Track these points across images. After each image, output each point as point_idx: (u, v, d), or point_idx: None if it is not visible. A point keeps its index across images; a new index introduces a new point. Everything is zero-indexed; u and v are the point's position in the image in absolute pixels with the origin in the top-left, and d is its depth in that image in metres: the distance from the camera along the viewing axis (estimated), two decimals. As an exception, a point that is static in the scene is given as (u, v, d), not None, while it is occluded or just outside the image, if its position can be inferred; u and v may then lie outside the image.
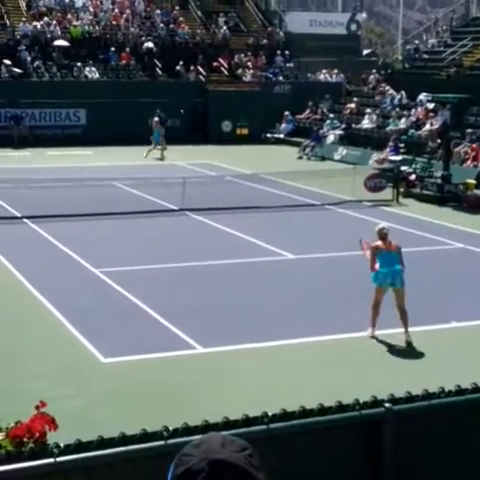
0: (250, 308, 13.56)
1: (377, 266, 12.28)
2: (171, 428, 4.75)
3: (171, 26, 41.57)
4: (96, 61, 38.72)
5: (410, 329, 12.06)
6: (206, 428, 4.70)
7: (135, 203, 22.01)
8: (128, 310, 13.28)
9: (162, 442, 4.66)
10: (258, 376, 10.70)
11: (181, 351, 11.52)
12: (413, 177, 25.34)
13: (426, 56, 40.76)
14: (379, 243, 12.47)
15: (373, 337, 12.00)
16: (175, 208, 21.50)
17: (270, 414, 4.92)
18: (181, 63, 39.29)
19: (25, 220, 19.98)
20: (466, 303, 13.97)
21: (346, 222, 21.26)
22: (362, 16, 48.66)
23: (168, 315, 12.82)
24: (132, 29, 41.00)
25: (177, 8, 42.91)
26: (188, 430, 4.71)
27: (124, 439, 4.68)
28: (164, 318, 12.72)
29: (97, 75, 38.24)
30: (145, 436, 4.71)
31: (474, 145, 28.03)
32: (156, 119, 32.59)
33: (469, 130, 29.05)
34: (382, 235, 12.57)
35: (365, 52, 50.30)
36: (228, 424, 4.78)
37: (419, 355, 11.54)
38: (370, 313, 12.15)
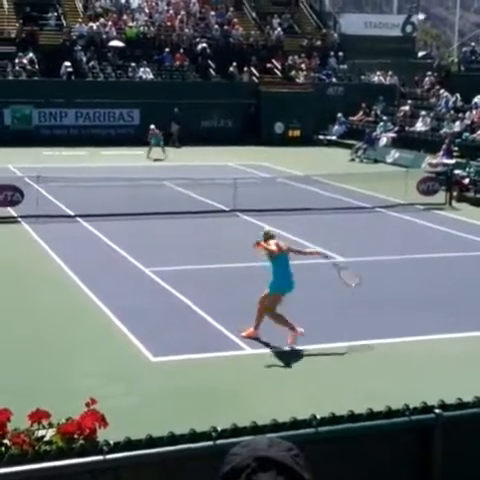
0: (299, 310, 13.50)
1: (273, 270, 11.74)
2: (219, 429, 4.76)
3: (225, 27, 41.67)
4: (150, 62, 39.00)
5: (465, 334, 11.92)
6: (254, 430, 4.70)
7: (186, 203, 22.12)
8: (178, 310, 13.35)
9: (210, 442, 4.68)
10: (306, 378, 10.68)
11: (230, 352, 11.54)
12: (467, 181, 25.04)
13: (482, 58, 40.28)
14: (282, 244, 11.95)
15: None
16: (226, 209, 21.55)
17: (319, 417, 4.90)
18: (234, 64, 39.36)
19: (78, 219, 20.21)
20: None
21: (398, 225, 21.10)
22: (418, 18, 48.19)
23: (217, 315, 12.85)
24: (186, 30, 41.20)
25: (231, 9, 43.01)
26: (236, 431, 4.71)
27: (173, 438, 4.71)
28: (213, 318, 12.76)
29: (151, 76, 38.53)
30: (194, 436, 4.73)
31: None
32: (152, 127, 32.17)
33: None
34: (270, 236, 12.10)
35: (420, 54, 49.81)
36: (276, 426, 4.78)
37: (471, 361, 11.38)
38: (281, 323, 11.65)
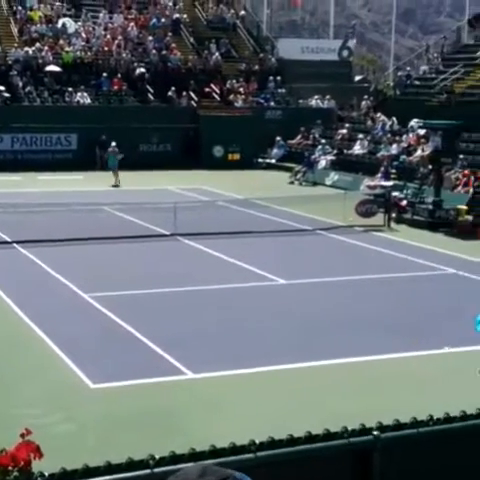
0: (241, 333, 13.51)
1: None
2: (158, 456, 4.69)
3: (163, 52, 41.74)
4: (88, 86, 38.82)
5: (406, 353, 12.02)
6: (193, 456, 4.63)
7: (126, 228, 21.96)
8: (118, 335, 13.21)
9: (148, 471, 4.60)
10: (248, 403, 10.63)
11: (171, 377, 11.45)
12: (404, 203, 25.39)
13: (417, 83, 41.01)
14: None
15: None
16: (166, 233, 21.48)
17: (257, 442, 4.86)
18: (173, 89, 39.43)
19: (15, 245, 19.91)
20: (458, 329, 13.92)
21: (338, 247, 21.28)
22: (354, 42, 48.89)
23: (158, 340, 12.75)
24: (124, 55, 41.14)
25: (169, 34, 43.12)
26: (175, 458, 4.64)
27: (109, 468, 4.61)
28: (154, 343, 12.65)
29: (89, 100, 38.34)
30: (131, 464, 4.65)
31: (465, 171, 28.15)
32: (113, 144, 32.21)
33: (460, 156, 29.21)
34: None
35: (357, 78, 50.54)
36: (215, 452, 4.72)
37: (410, 380, 11.47)
38: None
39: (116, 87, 39.45)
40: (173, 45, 42.22)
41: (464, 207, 24.07)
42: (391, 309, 15.26)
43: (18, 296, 15.33)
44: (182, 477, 2.10)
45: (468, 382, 11.33)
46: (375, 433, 5.04)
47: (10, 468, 5.16)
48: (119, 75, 39.67)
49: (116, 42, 41.32)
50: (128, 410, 10.24)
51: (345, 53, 47.21)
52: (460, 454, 5.38)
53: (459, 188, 27.59)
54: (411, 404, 9.46)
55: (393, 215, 24.46)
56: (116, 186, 31.17)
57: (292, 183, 33.73)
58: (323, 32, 54.18)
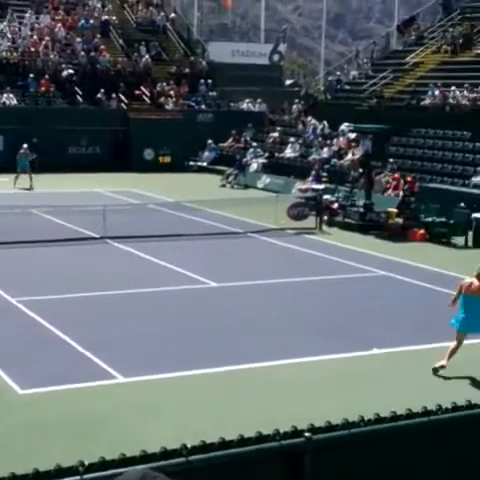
0: (171, 337, 13.42)
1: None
2: (87, 462, 4.58)
3: (92, 54, 41.31)
4: (14, 87, 38.16)
5: (337, 355, 12.09)
6: (123, 462, 4.54)
7: (55, 231, 21.62)
8: (47, 340, 12.98)
9: (78, 477, 4.49)
10: (180, 406, 10.55)
11: (101, 381, 11.29)
12: (336, 206, 25.62)
13: (348, 87, 41.53)
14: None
15: None
16: (96, 236, 21.23)
17: (189, 446, 4.79)
18: (102, 91, 39.06)
19: None
20: (387, 330, 14.10)
21: (269, 250, 21.33)
22: (284, 46, 49.22)
23: (88, 345, 12.57)
24: (52, 56, 40.58)
25: (98, 36, 42.70)
26: (105, 464, 4.54)
27: (38, 475, 4.49)
28: (84, 348, 12.47)
29: (15, 101, 37.69)
30: (60, 471, 4.53)
31: (395, 174, 28.56)
32: (25, 146, 31.64)
33: (390, 160, 29.63)
34: None
35: (288, 82, 50.95)
36: (146, 457, 4.64)
37: (340, 382, 11.54)
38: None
39: (43, 88, 38.86)
40: (102, 47, 41.82)
41: (394, 210, 24.42)
42: (322, 311, 15.35)
43: None
44: None
45: (397, 383, 11.46)
46: (307, 435, 5.02)
47: None
48: (47, 76, 39.09)
49: (43, 43, 40.69)
50: (57, 415, 10.06)
51: (276, 57, 47.52)
52: (391, 454, 5.41)
53: (389, 191, 27.97)
54: (342, 406, 9.51)
55: (324, 218, 24.66)
56: (29, 189, 30.37)
57: (224, 186, 33.75)
58: (254, 36, 54.47)
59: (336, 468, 5.19)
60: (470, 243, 22.31)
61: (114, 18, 44.42)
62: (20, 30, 41.66)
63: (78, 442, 9.04)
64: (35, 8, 43.44)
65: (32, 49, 40.52)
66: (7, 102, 37.39)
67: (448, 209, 23.11)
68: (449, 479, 5.54)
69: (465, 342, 11.95)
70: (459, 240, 22.54)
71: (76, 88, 39.25)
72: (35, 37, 41.02)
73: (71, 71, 39.55)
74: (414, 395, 9.73)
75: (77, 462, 4.65)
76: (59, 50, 41.18)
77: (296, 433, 5.04)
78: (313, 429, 5.10)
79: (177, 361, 12.15)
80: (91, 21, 43.30)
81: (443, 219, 22.97)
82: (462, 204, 23.35)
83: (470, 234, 22.39)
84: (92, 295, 15.94)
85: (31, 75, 38.81)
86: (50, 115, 36.74)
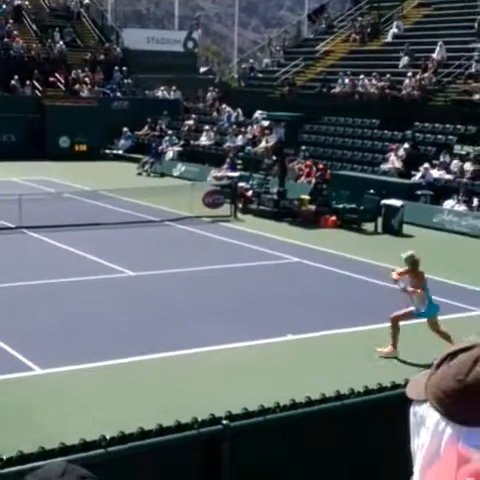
0: (88, 327, 13.41)
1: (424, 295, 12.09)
2: (5, 456, 4.61)
3: (5, 40, 40.52)
4: None
5: (251, 342, 12.29)
6: (42, 455, 4.60)
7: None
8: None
9: (-4, 472, 4.52)
10: (99, 396, 10.59)
11: (18, 373, 11.23)
12: (250, 193, 25.85)
13: (261, 75, 41.81)
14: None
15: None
16: (11, 226, 20.95)
17: (108, 437, 4.88)
18: (16, 77, 38.38)
19: None
20: (301, 316, 14.37)
21: (185, 238, 21.43)
22: (198, 33, 49.16)
23: (4, 336, 12.47)
24: (-37, 41, 39.70)
25: (11, 21, 41.91)
26: (23, 458, 4.59)
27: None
28: (0, 340, 12.35)
29: None
30: (-25, 466, 4.55)
31: (307, 162, 28.97)
32: None
33: (303, 147, 30.02)
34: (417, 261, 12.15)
35: (202, 70, 50.90)
36: (65, 450, 4.70)
37: (256, 369, 11.75)
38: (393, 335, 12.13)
39: (-45, 74, 38.02)
40: (15, 33, 41.08)
41: (307, 197, 24.76)
42: (237, 298, 15.54)
43: None
44: (42, 476, 2.10)
45: (312, 368, 11.74)
46: (224, 422, 5.17)
47: None
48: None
49: (-46, 28, 39.78)
50: (-26, 409, 9.98)
51: (190, 44, 47.44)
52: (306, 438, 5.60)
53: (302, 178, 28.37)
54: (258, 392, 9.71)
55: (239, 205, 24.86)
56: None
57: (140, 174, 33.65)
58: (168, 23, 54.14)
59: (253, 453, 5.36)
60: (379, 229, 22.86)
61: (27, 3, 43.66)
62: None
63: (-4, 435, 9.00)
64: None
65: None
66: None
67: (358, 196, 23.62)
68: (364, 459, 5.76)
69: (383, 325, 12.43)
70: (369, 226, 23.08)
71: (-12, 75, 38.49)
72: None
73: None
74: (328, 380, 10.01)
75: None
76: (-30, 36, 40.30)
77: (214, 421, 5.18)
78: (231, 416, 5.25)
79: (94, 351, 12.16)
80: (4, 6, 42.47)
81: (353, 206, 23.47)
82: (372, 191, 23.90)
83: (379, 220, 22.93)
84: (7, 286, 15.76)
85: None
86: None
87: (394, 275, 12.27)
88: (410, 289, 12.01)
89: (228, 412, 5.28)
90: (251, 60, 44.78)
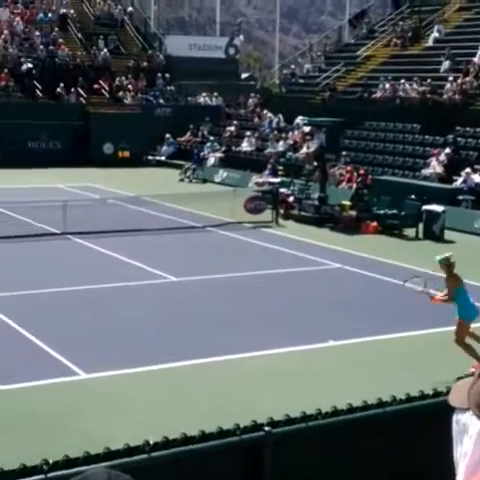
0: (132, 332, 13.54)
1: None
2: (51, 460, 4.70)
3: (51, 47, 41.08)
4: (-28, 82, 37.87)
5: (293, 348, 12.31)
6: (87, 459, 4.68)
7: (15, 227, 21.55)
8: (9, 337, 13.03)
9: (42, 476, 4.60)
10: (142, 401, 10.70)
11: (63, 378, 11.39)
12: (291, 199, 25.86)
13: (302, 81, 41.78)
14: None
15: None
16: (57, 232, 21.23)
17: (151, 442, 4.95)
18: (61, 85, 38.89)
19: None
20: (343, 322, 14.35)
21: (227, 244, 21.52)
22: (240, 39, 49.31)
23: (50, 341, 12.66)
24: (11, 50, 40.27)
25: (56, 29, 42.47)
26: (69, 462, 4.67)
27: (1, 474, 4.60)
28: (46, 344, 12.55)
29: (-27, 96, 37.40)
30: (24, 470, 4.64)
31: (348, 167, 28.89)
32: None
33: (343, 152, 29.95)
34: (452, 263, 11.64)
35: (243, 76, 51.04)
36: (109, 454, 4.78)
37: (297, 375, 11.76)
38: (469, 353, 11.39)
39: (3, 82, 38.58)
40: (60, 40, 41.62)
41: (348, 203, 24.72)
42: (278, 304, 15.55)
43: None
44: None
45: (352, 375, 11.72)
46: (266, 429, 5.20)
47: None
48: (6, 70, 38.80)
49: (2, 37, 40.38)
50: (20, 413, 10.14)
51: (232, 51, 47.58)
52: (348, 445, 5.61)
53: (343, 184, 28.30)
54: (300, 399, 9.73)
55: (281, 211, 24.90)
56: None
57: (182, 180, 33.84)
58: (210, 29, 54.36)
59: (294, 460, 5.39)
60: (420, 235, 22.71)
61: (72, 11, 44.21)
62: (-22, 23, 41.29)
63: (41, 439, 9.15)
64: (-6, 2, 43.18)
65: (-9, 43, 40.22)
66: (-34, 96, 37.09)
67: (399, 201, 23.51)
68: (407, 467, 5.76)
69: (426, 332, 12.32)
70: (410, 232, 22.95)
71: (35, 82, 39.01)
72: (-7, 31, 40.69)
73: (30, 65, 39.29)
74: (370, 387, 9.99)
75: (41, 460, 4.75)
76: (18, 44, 40.89)
77: (256, 427, 5.22)
78: (272, 423, 5.28)
79: (138, 356, 12.28)
80: (49, 15, 43.06)
81: (395, 211, 23.37)
82: (413, 196, 23.76)
83: (420, 226, 22.79)
84: (52, 291, 15.98)
85: (-10, 69, 38.53)
86: (9, 109, 36.46)
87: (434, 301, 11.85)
88: (438, 297, 11.77)
89: (270, 418, 5.31)
90: (292, 66, 44.78)
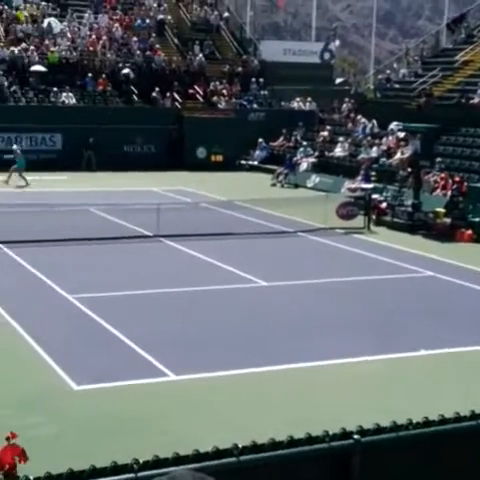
0: (223, 335, 13.62)
1: None
2: (141, 460, 4.77)
3: (148, 53, 41.79)
4: (73, 87, 38.81)
5: (384, 356, 12.17)
6: (176, 460, 4.73)
7: (110, 229, 22.01)
8: (101, 337, 13.28)
9: (132, 475, 4.68)
10: (231, 405, 10.74)
11: (154, 379, 11.53)
12: (384, 205, 25.61)
13: (397, 86, 41.30)
14: None
15: None
16: (150, 234, 21.55)
17: (240, 446, 4.97)
18: (157, 90, 39.51)
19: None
20: (435, 331, 14.12)
21: (318, 249, 21.43)
22: (335, 44, 49.13)
23: (141, 342, 12.84)
24: (109, 55, 41.16)
25: (154, 35, 43.17)
26: (158, 463, 4.73)
27: (94, 471, 4.69)
28: (137, 345, 12.74)
29: (74, 100, 38.33)
30: (115, 469, 4.72)
31: (443, 174, 28.39)
32: (15, 147, 32.17)
33: (438, 159, 29.44)
34: None
35: (338, 81, 50.77)
36: (198, 456, 4.82)
37: (387, 383, 11.63)
38: None
39: (101, 87, 39.47)
40: (157, 46, 42.29)
41: (442, 210, 24.32)
42: (368, 311, 15.42)
43: (1, 296, 15.35)
44: None
45: (445, 384, 11.51)
46: (355, 437, 5.16)
47: (-5, 472, 5.24)
48: (104, 75, 39.69)
49: (101, 42, 41.32)
50: (111, 412, 10.32)
51: (327, 56, 47.44)
52: (437, 457, 5.51)
53: (437, 191, 27.82)
54: (390, 407, 9.62)
55: (373, 217, 24.68)
56: (24, 186, 30.50)
57: (274, 185, 33.89)
58: (305, 34, 54.36)
59: (383, 469, 5.33)
60: (518, 244, 22.18)
61: (169, 17, 44.88)
62: (79, 30, 42.32)
63: (131, 439, 9.29)
64: (94, 8, 44.19)
65: (90, 48, 41.17)
66: (66, 101, 38.04)
67: (496, 210, 22.99)
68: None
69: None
70: (507, 241, 22.43)
71: (132, 87, 39.77)
72: (93, 37, 41.62)
73: (128, 70, 40.07)
74: (462, 398, 9.79)
75: (132, 460, 4.84)
76: (116, 49, 41.76)
77: (345, 435, 5.18)
78: (362, 431, 5.23)
79: (228, 359, 12.35)
80: (147, 20, 43.83)
81: (491, 220, 22.88)
82: (510, 205, 23.21)
83: (518, 235, 22.25)
84: (145, 293, 16.22)
85: (89, 74, 39.42)
86: (107, 114, 37.31)
87: None
88: None
89: (359, 427, 5.26)
90: (388, 71, 44.34)
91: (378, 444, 5.27)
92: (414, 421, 5.43)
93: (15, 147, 32.28)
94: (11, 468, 5.22)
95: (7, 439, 5.51)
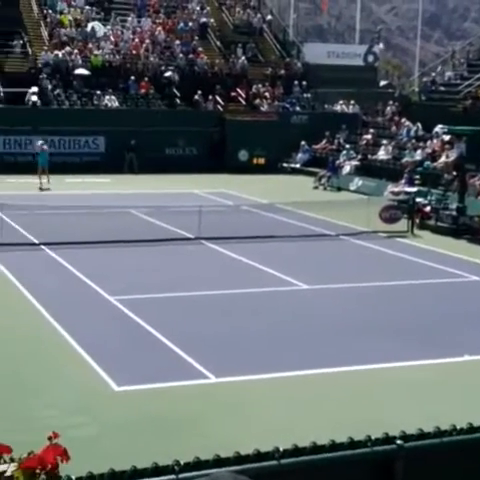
0: (264, 338, 13.58)
1: None
2: (182, 462, 4.75)
3: (190, 56, 41.95)
4: (116, 90, 39.12)
5: (428, 361, 12.03)
6: (217, 462, 4.70)
7: (151, 231, 22.13)
8: (142, 338, 13.33)
9: (173, 476, 4.67)
10: (272, 408, 10.70)
11: (194, 381, 11.53)
12: (428, 209, 25.36)
13: (442, 88, 40.89)
14: None
15: None
16: (191, 237, 21.59)
17: (281, 449, 4.92)
18: (199, 92, 39.62)
19: (42, 247, 20.10)
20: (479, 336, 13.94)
21: (360, 253, 21.29)
22: (379, 47, 48.85)
23: (182, 344, 12.85)
24: (152, 59, 41.40)
25: (196, 38, 43.31)
26: (199, 464, 4.71)
27: (135, 472, 4.69)
28: (178, 347, 12.75)
29: (116, 104, 38.63)
30: (156, 470, 4.72)
31: (489, 178, 28.03)
32: (40, 142, 32.23)
33: (485, 163, 29.09)
34: None
35: (382, 83, 50.50)
36: (239, 459, 4.78)
37: (430, 388, 11.49)
38: None
39: (143, 90, 39.71)
40: (200, 49, 42.42)
41: (488, 214, 24.02)
42: (412, 315, 15.26)
43: (43, 297, 15.49)
44: None
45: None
46: (399, 442, 5.08)
47: (38, 471, 5.25)
48: (146, 79, 39.93)
49: (144, 46, 41.59)
50: (152, 414, 10.34)
51: (370, 58, 47.21)
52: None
53: (483, 195, 27.47)
54: (433, 413, 9.50)
55: (417, 221, 24.45)
56: (46, 189, 30.34)
57: (316, 188, 33.77)
58: (349, 37, 54.21)
59: (426, 476, 5.24)
60: None
61: (212, 20, 44.99)
62: (122, 33, 42.64)
63: (172, 440, 9.28)
64: (137, 12, 44.49)
65: (133, 52, 41.45)
66: (109, 104, 38.35)
67: None
68: None
69: None
70: None
71: (174, 90, 39.93)
72: (136, 40, 41.90)
73: (171, 73, 40.25)
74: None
75: (173, 461, 4.82)
76: (159, 53, 41.99)
77: (388, 440, 5.10)
78: (405, 436, 5.16)
79: (269, 362, 12.30)
80: (190, 24, 44.00)
81: None
82: None
83: None
84: (186, 295, 16.25)
85: (132, 77, 39.69)
86: (149, 117, 37.52)
87: None
88: None
89: (402, 432, 5.18)
90: (433, 73, 43.95)
91: (421, 450, 5.19)
92: (458, 427, 5.35)
93: (40, 142, 32.30)
94: (53, 468, 5.23)
95: (49, 439, 5.53)
